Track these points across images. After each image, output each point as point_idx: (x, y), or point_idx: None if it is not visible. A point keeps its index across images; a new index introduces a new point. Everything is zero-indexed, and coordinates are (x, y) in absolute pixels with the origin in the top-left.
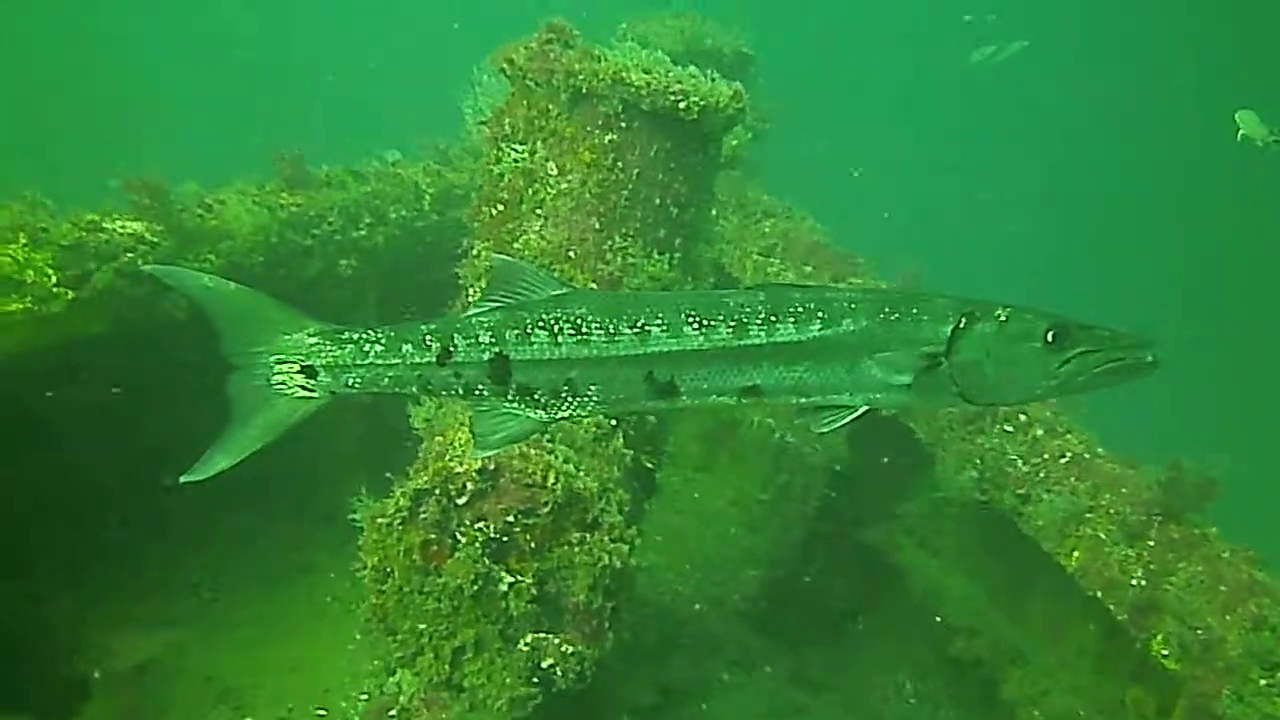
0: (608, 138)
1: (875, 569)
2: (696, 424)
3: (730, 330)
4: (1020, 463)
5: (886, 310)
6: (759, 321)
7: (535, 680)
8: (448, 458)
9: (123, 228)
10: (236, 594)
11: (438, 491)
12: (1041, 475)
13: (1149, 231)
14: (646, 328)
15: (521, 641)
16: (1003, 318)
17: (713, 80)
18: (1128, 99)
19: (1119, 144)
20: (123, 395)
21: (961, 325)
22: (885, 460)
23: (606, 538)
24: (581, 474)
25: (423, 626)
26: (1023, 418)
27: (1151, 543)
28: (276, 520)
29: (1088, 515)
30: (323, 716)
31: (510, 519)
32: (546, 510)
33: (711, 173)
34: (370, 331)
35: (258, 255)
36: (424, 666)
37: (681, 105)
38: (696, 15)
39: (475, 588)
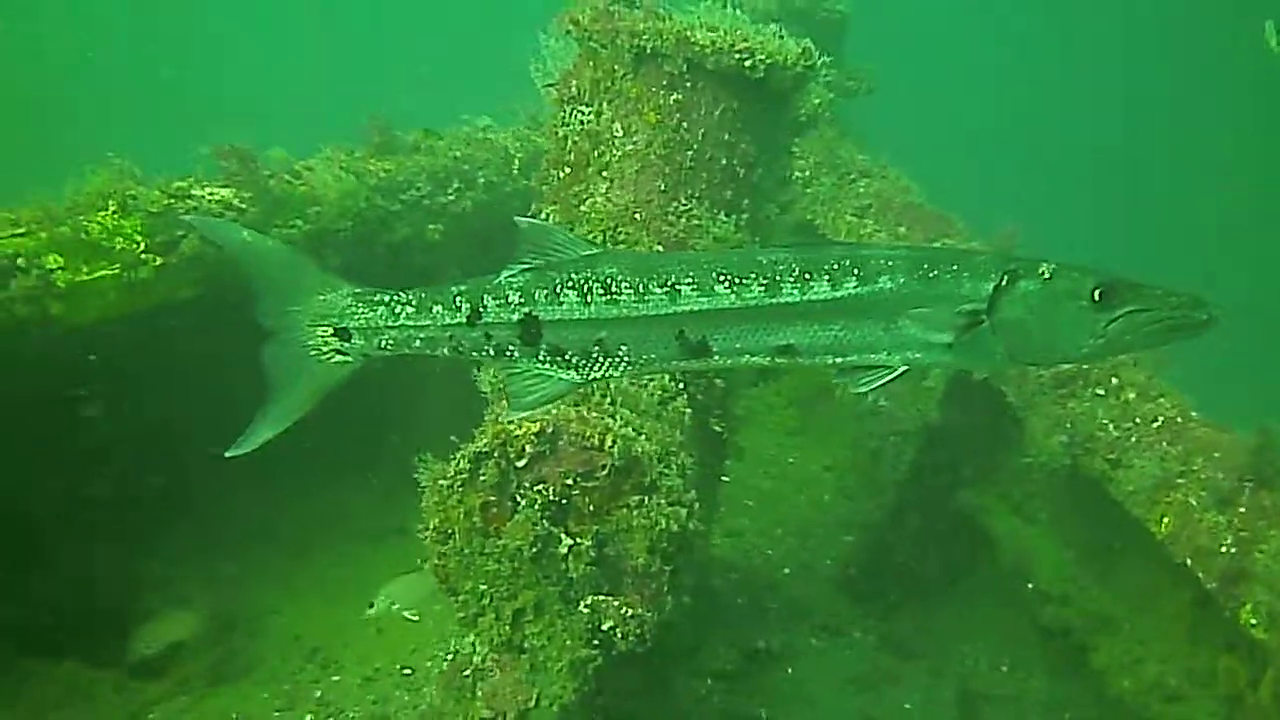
0: (673, 98)
1: (967, 534)
2: (790, 389)
3: (763, 288)
4: (1111, 427)
5: (926, 267)
6: (792, 279)
7: (596, 642)
8: (507, 420)
9: (211, 194)
10: (329, 553)
11: (496, 454)
12: (1133, 440)
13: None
14: (677, 287)
15: (581, 603)
16: (1047, 275)
17: (781, 38)
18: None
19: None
20: (213, 358)
21: (1004, 283)
22: (979, 423)
23: (664, 501)
24: (641, 438)
25: (484, 587)
26: (1114, 381)
27: (1242, 509)
28: (370, 481)
29: (1178, 481)
30: (408, 675)
31: (569, 482)
32: (604, 473)
33: (782, 132)
34: (402, 293)
35: (345, 221)
36: (485, 627)
37: (747, 64)
38: None
39: (535, 550)
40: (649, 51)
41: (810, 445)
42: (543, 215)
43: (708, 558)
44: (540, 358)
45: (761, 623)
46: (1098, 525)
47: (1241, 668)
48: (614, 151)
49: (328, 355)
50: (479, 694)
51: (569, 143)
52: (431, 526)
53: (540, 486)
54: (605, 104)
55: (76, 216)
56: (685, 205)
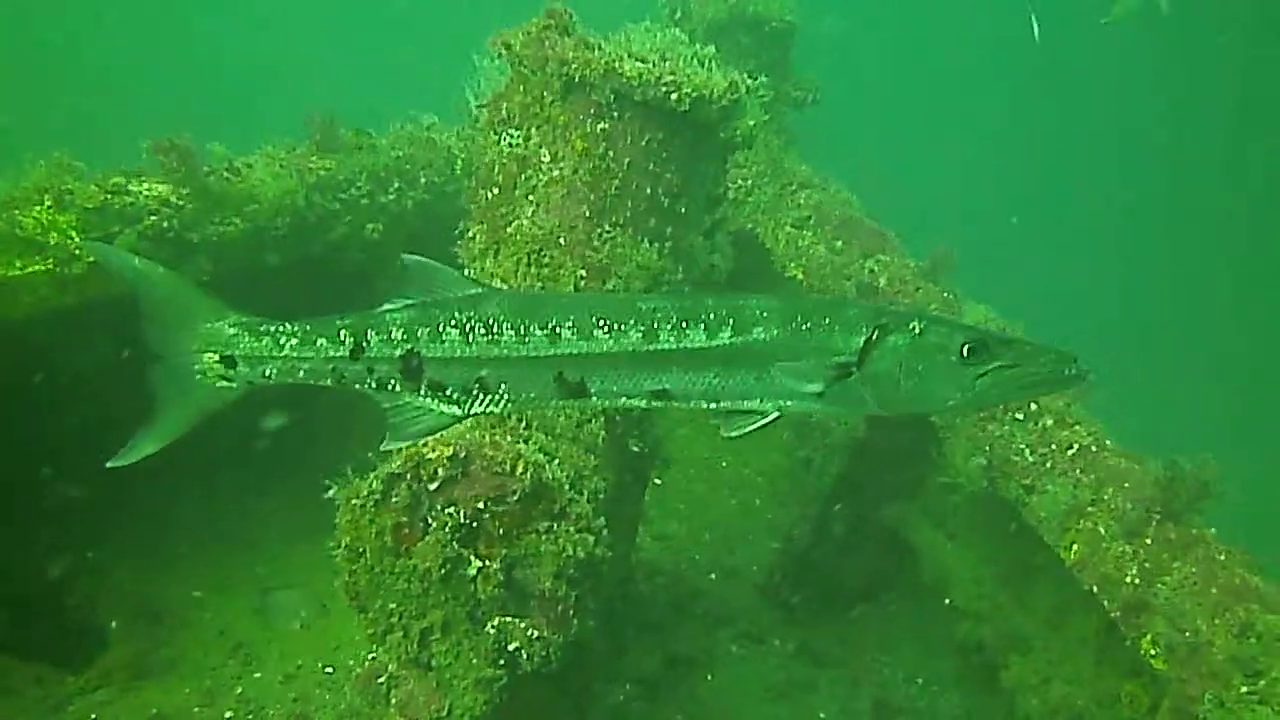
0: (599, 126)
1: (890, 547)
2: None
3: (640, 334)
4: (1028, 452)
5: (798, 319)
6: (669, 327)
7: (502, 662)
8: (420, 443)
9: (149, 190)
10: (260, 550)
11: (409, 476)
12: (1048, 466)
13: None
14: (557, 330)
15: (488, 624)
16: (917, 330)
17: (710, 70)
18: None
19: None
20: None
21: (874, 336)
22: (904, 440)
23: (573, 528)
24: (553, 463)
25: (393, 605)
26: (1034, 406)
27: (1149, 541)
28: (299, 479)
29: (1089, 509)
30: (329, 674)
31: (480, 505)
32: (514, 499)
33: (709, 161)
34: (287, 325)
35: (283, 218)
36: (394, 644)
37: (673, 97)
38: None
39: (444, 571)
40: (577, 80)
41: (744, 450)
42: (469, 234)
43: (629, 569)
44: (422, 392)
45: (684, 628)
46: (1016, 545)
47: (1144, 694)
48: (541, 176)
49: (211, 380)
50: (393, 701)
51: (498, 164)
52: (343, 544)
53: (451, 509)
54: (534, 129)
55: (11, 210)
56: (609, 232)
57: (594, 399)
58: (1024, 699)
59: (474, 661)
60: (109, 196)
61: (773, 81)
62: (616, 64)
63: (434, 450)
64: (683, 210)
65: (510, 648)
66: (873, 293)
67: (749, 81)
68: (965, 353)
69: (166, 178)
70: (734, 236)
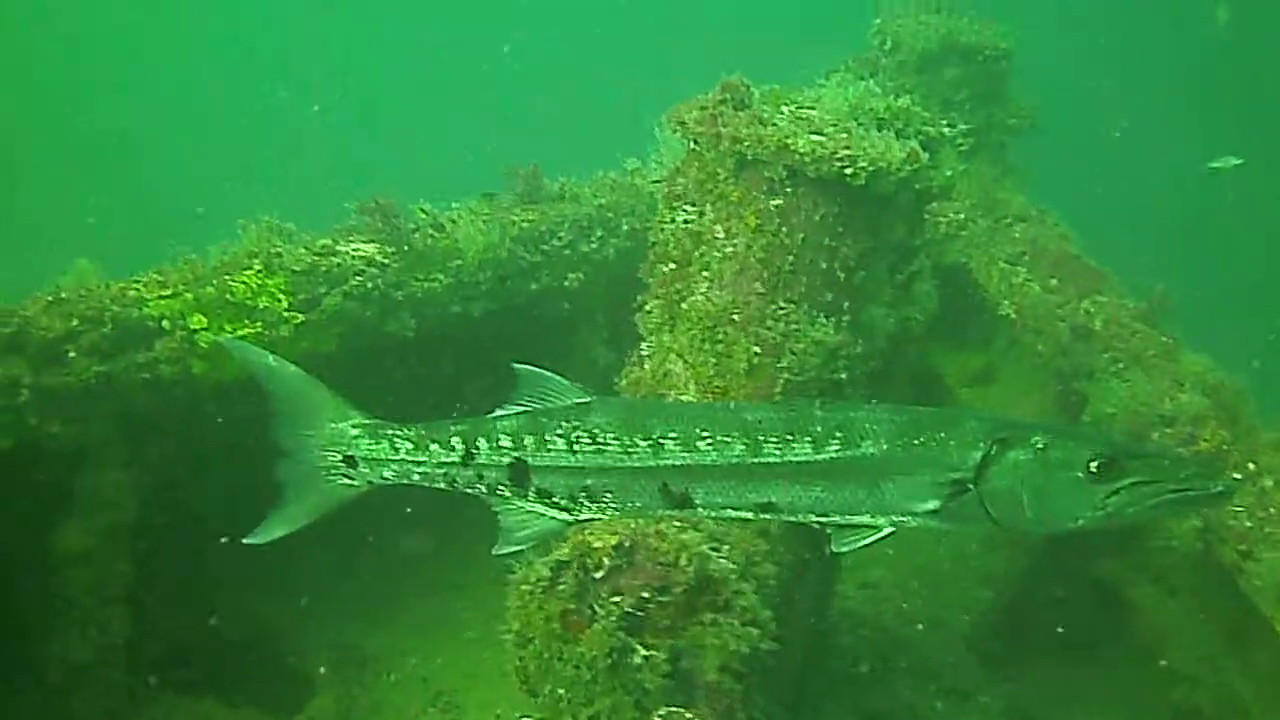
0: (773, 203)
1: (1105, 602)
2: None
3: (745, 447)
4: (1245, 516)
5: (910, 433)
6: (774, 440)
7: None
8: (586, 532)
9: (355, 251)
10: (462, 595)
11: (575, 565)
12: (1266, 531)
13: None
14: (661, 441)
15: (655, 714)
16: (1040, 444)
17: (888, 141)
18: None
19: None
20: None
21: (992, 452)
22: None
23: (737, 621)
24: (719, 555)
25: (562, 691)
26: (1252, 466)
27: None
28: None
29: None
30: None
31: (645, 595)
32: (679, 590)
33: (891, 229)
34: (404, 429)
35: (485, 272)
36: None
37: (848, 171)
38: (954, 10)
39: (611, 659)
40: (750, 158)
41: None
42: (647, 307)
43: (824, 624)
44: (529, 499)
45: (886, 683)
46: (1238, 606)
47: None
48: (714, 252)
49: (336, 478)
50: None
51: (673, 240)
52: (514, 630)
53: (617, 599)
54: (708, 205)
55: (222, 276)
56: (783, 309)
57: (700, 510)
58: None
59: None
60: (317, 258)
61: (987, 110)
62: (789, 140)
63: (600, 539)
64: (861, 283)
65: None
66: (1087, 335)
67: (945, 130)
68: (1094, 469)
69: (372, 237)
70: (946, 274)
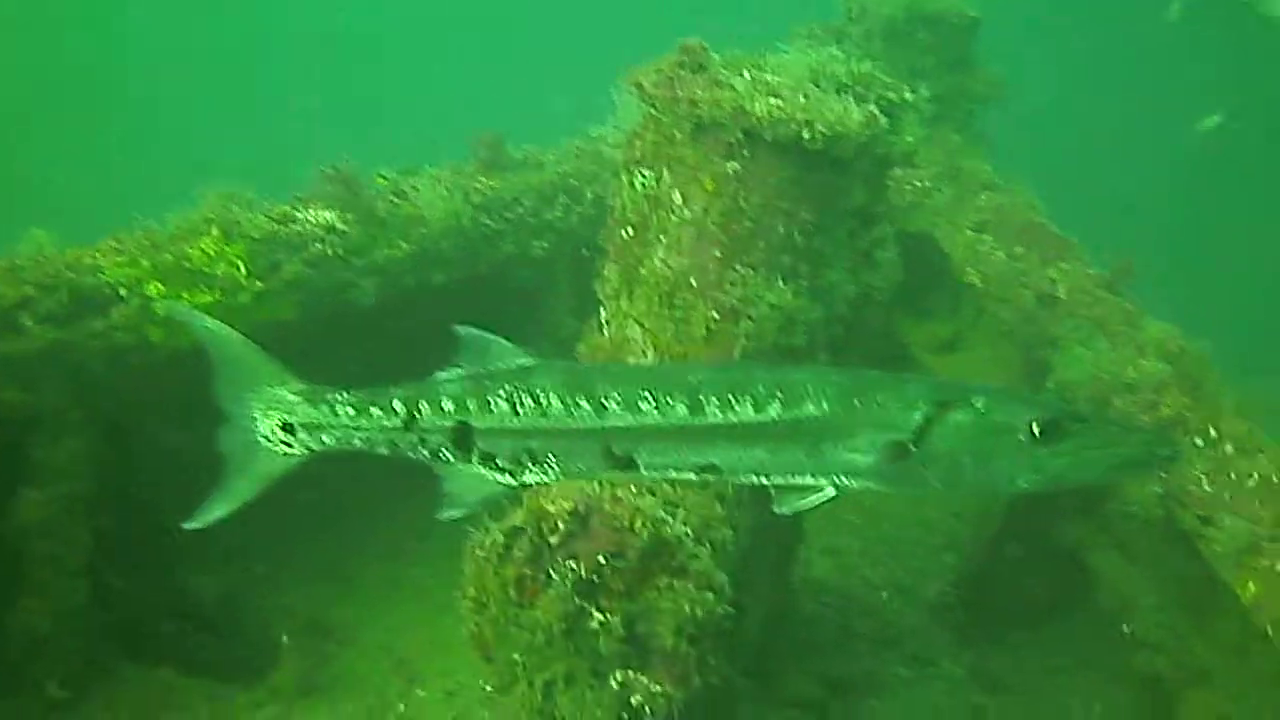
0: (730, 167)
1: (1068, 568)
2: None
3: (687, 408)
4: (1205, 481)
5: (852, 394)
6: (716, 401)
7: (625, 716)
8: (541, 497)
9: (315, 218)
10: (427, 565)
11: (530, 530)
12: (1225, 497)
13: None
14: (604, 403)
15: (611, 678)
16: (981, 407)
17: (847, 105)
18: None
19: None
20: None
21: (933, 414)
22: None
23: (692, 585)
24: (674, 520)
25: (517, 656)
26: (1213, 432)
27: None
28: None
29: (1266, 546)
30: (489, 692)
31: (600, 560)
32: (635, 555)
33: (849, 196)
34: (343, 393)
35: (448, 240)
36: (519, 695)
37: (805, 135)
38: None
39: (566, 624)
40: (707, 121)
41: None
42: (605, 272)
43: (786, 595)
44: (473, 462)
45: (850, 650)
46: (1200, 572)
47: None
48: (672, 217)
49: (275, 446)
50: None
51: (631, 204)
52: (469, 595)
53: (572, 563)
54: (665, 169)
55: (179, 243)
56: (741, 273)
57: (643, 472)
58: None
59: (597, 714)
60: (276, 225)
61: (954, 78)
62: (746, 103)
63: (554, 505)
64: (819, 247)
65: (633, 702)
66: (1051, 303)
67: (907, 96)
68: (1036, 432)
69: (333, 204)
70: (912, 242)
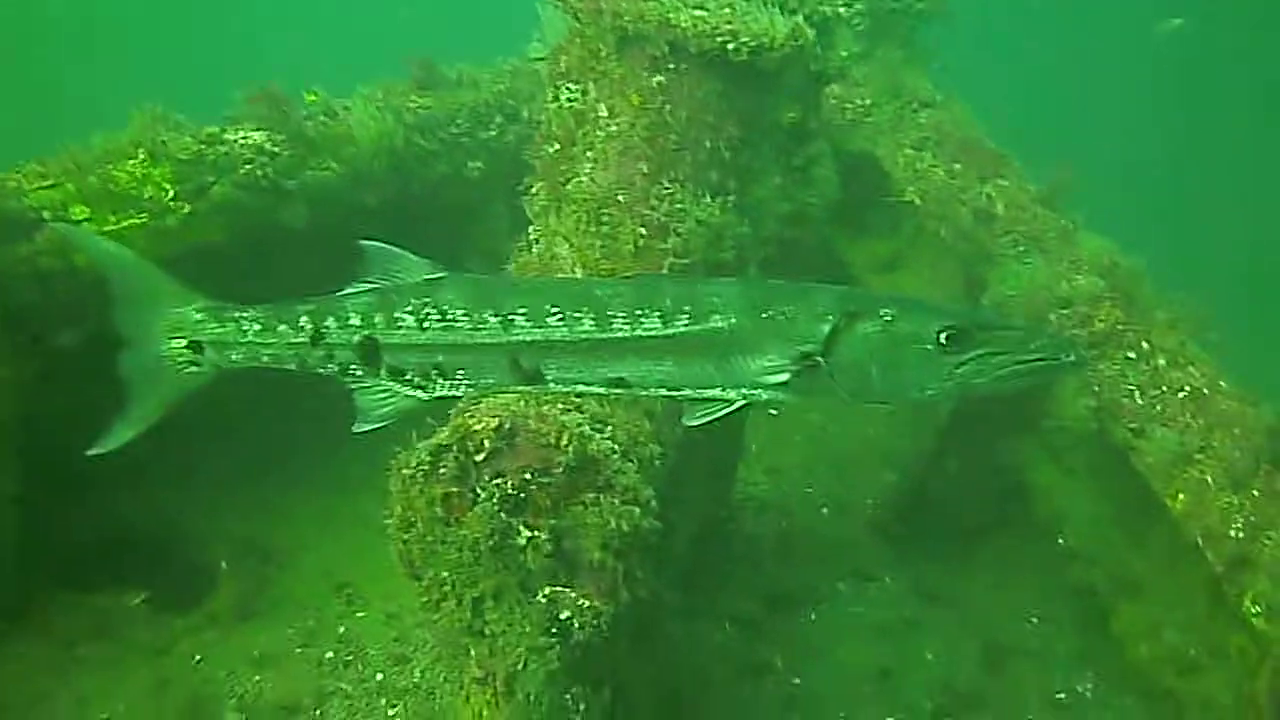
0: (655, 80)
1: (1006, 483)
2: None
3: (593, 322)
4: (1137, 394)
5: (759, 306)
6: (623, 315)
7: (554, 631)
8: (467, 415)
9: (244, 139)
10: (366, 490)
11: (456, 448)
12: (1157, 409)
13: None
14: (511, 317)
15: (539, 593)
16: (888, 316)
17: (773, 17)
18: None
19: None
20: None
21: (841, 324)
22: None
23: (618, 500)
24: (601, 435)
25: (445, 574)
26: (1145, 345)
27: (1256, 492)
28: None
29: (1197, 457)
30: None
31: (527, 477)
32: (560, 471)
33: (776, 110)
34: (250, 310)
35: (380, 160)
36: (448, 611)
37: (730, 47)
38: None
39: (494, 540)
40: (632, 33)
41: None
42: (533, 190)
43: (725, 510)
44: (382, 377)
45: (790, 566)
46: (1133, 484)
47: (1253, 649)
48: (599, 132)
49: (182, 366)
50: (472, 654)
51: (557, 120)
52: (395, 514)
53: (499, 480)
54: (591, 83)
55: (105, 166)
56: (668, 189)
57: (551, 386)
58: (1134, 646)
59: (527, 629)
60: (204, 147)
61: None
62: (670, 15)
63: (480, 422)
64: (747, 162)
65: (561, 617)
66: (989, 219)
67: (841, 10)
68: (944, 340)
69: (261, 125)
70: (853, 160)
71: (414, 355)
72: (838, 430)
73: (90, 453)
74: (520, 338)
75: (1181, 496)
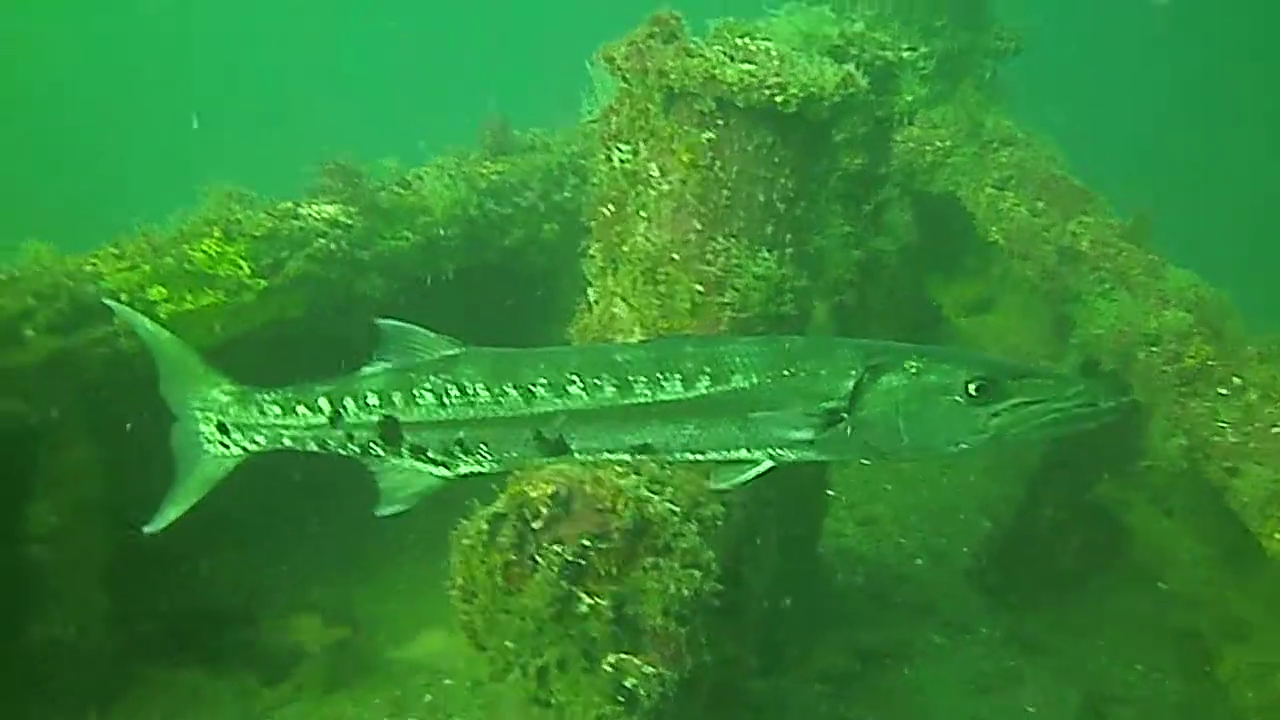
0: (705, 136)
1: (1103, 527)
2: None
3: (615, 389)
4: (1230, 431)
5: (781, 364)
6: (644, 380)
7: (620, 699)
8: (523, 482)
9: (318, 213)
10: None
11: (513, 516)
12: (1251, 446)
13: None
14: (531, 388)
15: (604, 661)
16: (914, 369)
17: (822, 66)
18: None
19: None
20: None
21: (865, 379)
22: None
23: (678, 564)
24: (658, 497)
25: (509, 644)
26: (1237, 380)
27: None
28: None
29: None
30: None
31: (585, 543)
32: (618, 535)
33: (832, 158)
34: (271, 393)
35: (454, 229)
36: (513, 682)
37: (779, 99)
38: None
39: (555, 609)
40: (678, 91)
41: None
42: (590, 251)
43: (812, 567)
44: (404, 456)
45: (883, 619)
46: (1233, 525)
47: None
48: (651, 191)
49: (214, 447)
50: None
51: (609, 181)
52: (457, 585)
53: (557, 547)
54: (642, 143)
55: (181, 246)
56: (723, 244)
57: (576, 455)
58: (1240, 691)
59: (595, 699)
60: (278, 222)
61: (969, 33)
62: (717, 71)
63: (536, 489)
64: (803, 213)
65: (627, 684)
66: (1074, 257)
67: (905, 54)
68: (973, 391)
69: (334, 198)
70: (937, 203)
71: (436, 432)
72: (929, 477)
73: (146, 530)
74: (542, 409)
75: (1278, 536)
